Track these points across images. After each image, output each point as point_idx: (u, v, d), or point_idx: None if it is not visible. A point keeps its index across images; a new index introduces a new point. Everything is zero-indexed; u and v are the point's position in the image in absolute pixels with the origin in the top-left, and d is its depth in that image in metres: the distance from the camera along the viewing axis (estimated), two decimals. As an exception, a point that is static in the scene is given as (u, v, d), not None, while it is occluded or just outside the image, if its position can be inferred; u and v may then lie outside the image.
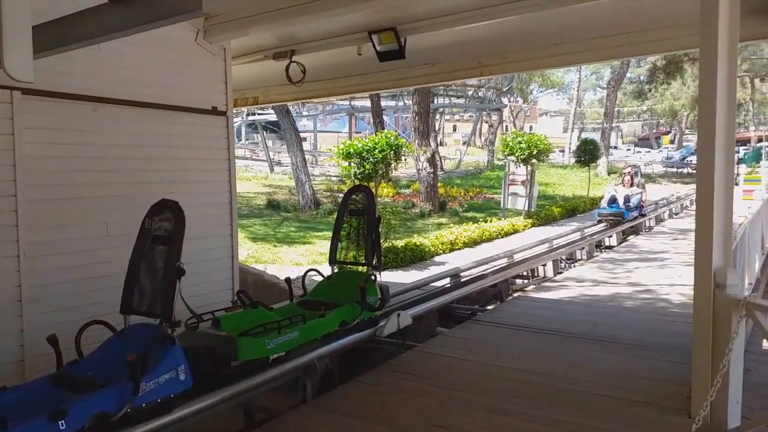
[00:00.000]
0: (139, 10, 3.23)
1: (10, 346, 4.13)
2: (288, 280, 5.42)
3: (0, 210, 4.24)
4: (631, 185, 15.85)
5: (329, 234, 5.67)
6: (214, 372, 3.85)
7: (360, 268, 5.57)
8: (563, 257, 10.84)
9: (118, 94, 5.00)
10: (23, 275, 4.31)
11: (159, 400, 3.29)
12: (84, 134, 4.81)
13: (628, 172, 16.63)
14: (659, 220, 17.60)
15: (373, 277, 5.20)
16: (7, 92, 4.25)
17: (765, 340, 4.94)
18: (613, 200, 15.29)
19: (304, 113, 40.95)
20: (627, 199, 15.16)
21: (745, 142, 40.21)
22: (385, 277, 10.12)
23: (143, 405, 3.20)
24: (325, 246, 11.51)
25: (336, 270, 5.57)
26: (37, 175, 4.44)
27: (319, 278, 5.53)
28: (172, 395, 3.36)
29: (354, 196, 5.57)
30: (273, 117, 33.08)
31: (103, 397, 3.05)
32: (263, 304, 4.62)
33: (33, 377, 3.62)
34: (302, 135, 26.98)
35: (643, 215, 15.76)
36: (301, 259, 11.96)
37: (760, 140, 40.60)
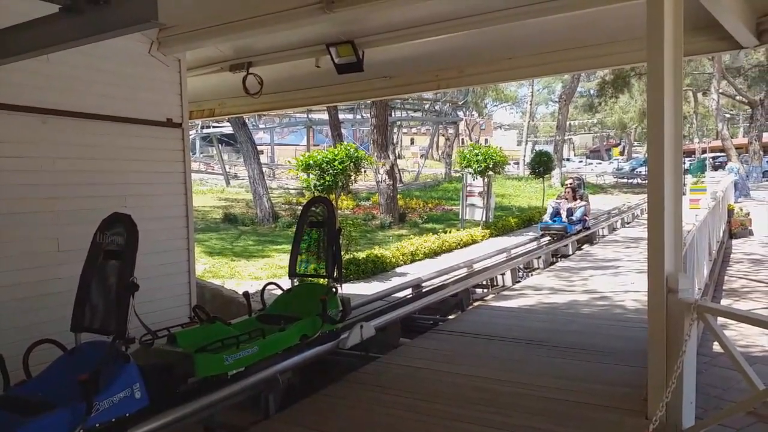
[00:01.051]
0: (92, 19, 3.12)
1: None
2: (246, 294, 5.32)
3: (-58, 226, 4.06)
4: (574, 198, 15.07)
5: (289, 247, 5.62)
6: (171, 390, 3.75)
7: (321, 281, 5.53)
8: (521, 266, 11.02)
9: (69, 105, 4.85)
10: (-31, 294, 4.13)
11: (113, 420, 3.19)
12: (33, 147, 4.64)
13: (570, 185, 15.70)
14: (612, 228, 18.08)
15: (334, 290, 5.15)
16: (-51, 104, 4.09)
17: (716, 343, 5.12)
18: (555, 213, 14.67)
19: (261, 126, 40.68)
20: (570, 213, 14.55)
21: (690, 153, 41.86)
22: (347, 288, 10.07)
23: (97, 425, 3.09)
24: (284, 259, 11.40)
25: (296, 283, 5.50)
26: (-18, 189, 4.27)
27: (279, 292, 5.46)
28: (127, 414, 3.26)
29: (314, 208, 5.52)
30: (228, 130, 32.76)
31: (54, 419, 2.93)
32: (221, 319, 4.52)
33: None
34: (259, 148, 26.75)
35: (587, 228, 15.02)
36: (261, 273, 11.80)
37: (704, 152, 42.40)
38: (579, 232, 14.45)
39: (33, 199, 4.62)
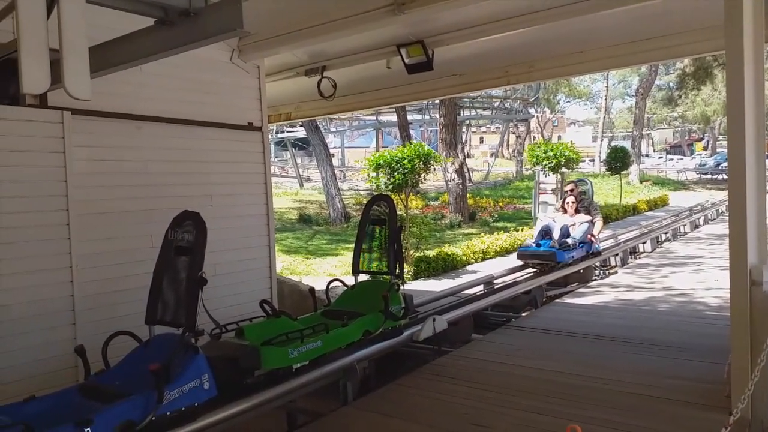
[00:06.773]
0: (183, 30, 3.39)
1: (65, 353, 4.33)
2: (312, 290, 5.44)
3: (54, 224, 4.49)
4: (577, 211, 10.06)
5: (360, 245, 5.76)
6: (239, 381, 3.87)
7: (384, 278, 5.53)
8: (597, 264, 10.74)
9: (160, 112, 5.25)
10: (76, 286, 4.55)
11: (183, 409, 3.31)
12: (129, 151, 5.06)
13: (571, 191, 10.46)
14: (695, 225, 17.35)
15: (396, 287, 5.21)
16: (58, 113, 4.51)
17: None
18: (545, 234, 9.70)
19: (332, 129, 41.47)
20: (565, 233, 9.53)
21: (780, 146, 39.26)
22: (418, 285, 10.21)
23: (168, 413, 3.22)
24: (357, 258, 11.65)
25: (360, 280, 5.57)
26: (86, 190, 4.69)
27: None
28: (196, 404, 3.38)
29: (375, 206, 5.61)
30: (301, 134, 33.69)
31: (128, 406, 3.08)
32: (287, 314, 4.63)
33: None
34: (330, 151, 27.32)
35: (596, 254, 10.13)
36: (335, 270, 12.10)
37: (796, 143, 39.66)
38: (581, 259, 9.66)
39: (130, 199, 5.02)
